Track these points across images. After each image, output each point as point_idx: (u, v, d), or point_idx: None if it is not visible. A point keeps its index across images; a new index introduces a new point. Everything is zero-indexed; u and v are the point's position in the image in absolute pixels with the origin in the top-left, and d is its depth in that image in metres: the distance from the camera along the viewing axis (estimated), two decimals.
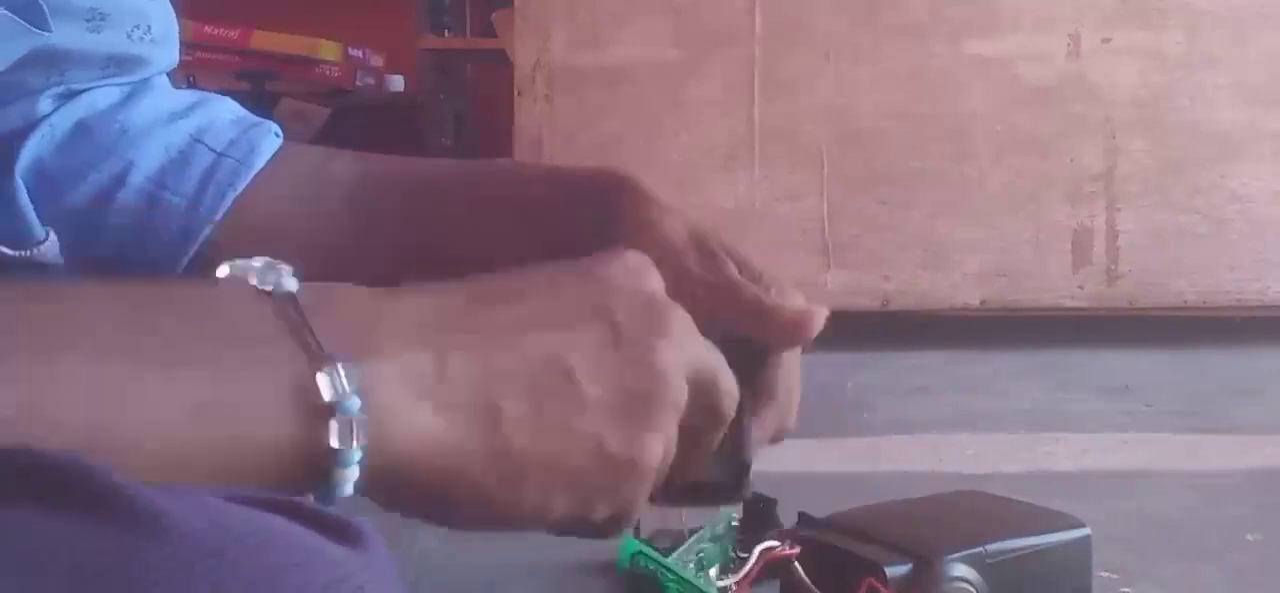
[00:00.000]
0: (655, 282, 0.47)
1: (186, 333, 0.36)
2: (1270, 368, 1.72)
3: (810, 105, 1.95)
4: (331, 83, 2.99)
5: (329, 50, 2.96)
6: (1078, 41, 1.92)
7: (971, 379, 1.61)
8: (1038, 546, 0.63)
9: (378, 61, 3.13)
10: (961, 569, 0.58)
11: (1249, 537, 0.90)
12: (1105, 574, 0.80)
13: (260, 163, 0.67)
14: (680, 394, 0.45)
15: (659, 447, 0.44)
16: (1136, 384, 1.55)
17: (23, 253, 0.61)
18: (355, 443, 0.37)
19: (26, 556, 0.25)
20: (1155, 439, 1.27)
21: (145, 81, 0.67)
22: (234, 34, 2.93)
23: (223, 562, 0.26)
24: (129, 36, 0.63)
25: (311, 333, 0.37)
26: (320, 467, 0.37)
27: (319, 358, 0.37)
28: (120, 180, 0.64)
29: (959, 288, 1.93)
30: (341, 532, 0.30)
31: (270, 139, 0.68)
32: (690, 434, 0.46)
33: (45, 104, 0.63)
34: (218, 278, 0.40)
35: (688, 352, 0.46)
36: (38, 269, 0.61)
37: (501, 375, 0.41)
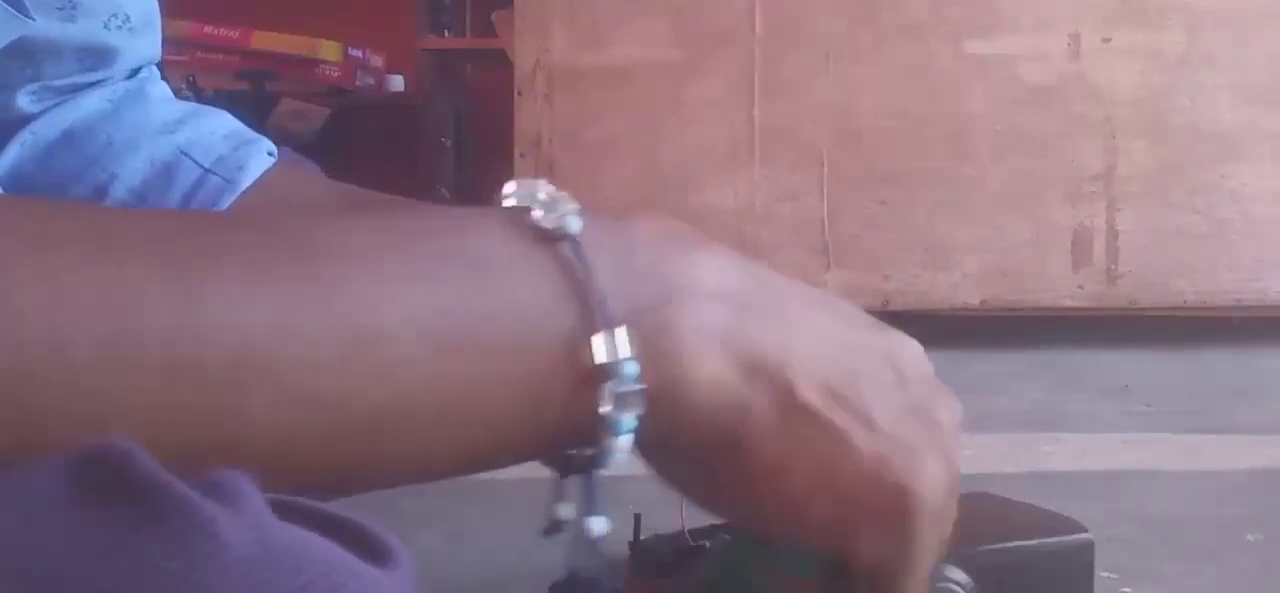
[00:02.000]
0: (929, 365, 0.44)
1: (451, 284, 0.34)
2: (1270, 368, 1.72)
3: (810, 105, 1.95)
4: (331, 83, 2.99)
5: (329, 50, 2.96)
6: (1078, 41, 1.92)
7: (971, 379, 1.61)
8: (1034, 549, 0.62)
9: (378, 61, 3.12)
10: (952, 571, 0.57)
11: (1249, 537, 0.90)
12: (1105, 574, 0.80)
13: (247, 182, 0.64)
14: (955, 465, 0.42)
15: (937, 484, 0.40)
16: (1137, 384, 1.55)
17: None
18: (629, 410, 0.35)
19: (66, 549, 0.25)
20: (1155, 439, 1.27)
21: (139, 92, 0.66)
22: (234, 34, 2.93)
23: (262, 579, 0.26)
24: (105, 27, 0.61)
25: (592, 284, 0.35)
26: (592, 428, 0.35)
27: (597, 315, 0.35)
28: (102, 192, 0.62)
29: (959, 288, 1.93)
30: (377, 551, 0.30)
31: (261, 158, 0.66)
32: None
33: (24, 101, 0.61)
34: (502, 207, 0.37)
35: (957, 446, 0.42)
36: None
37: (798, 352, 0.38)
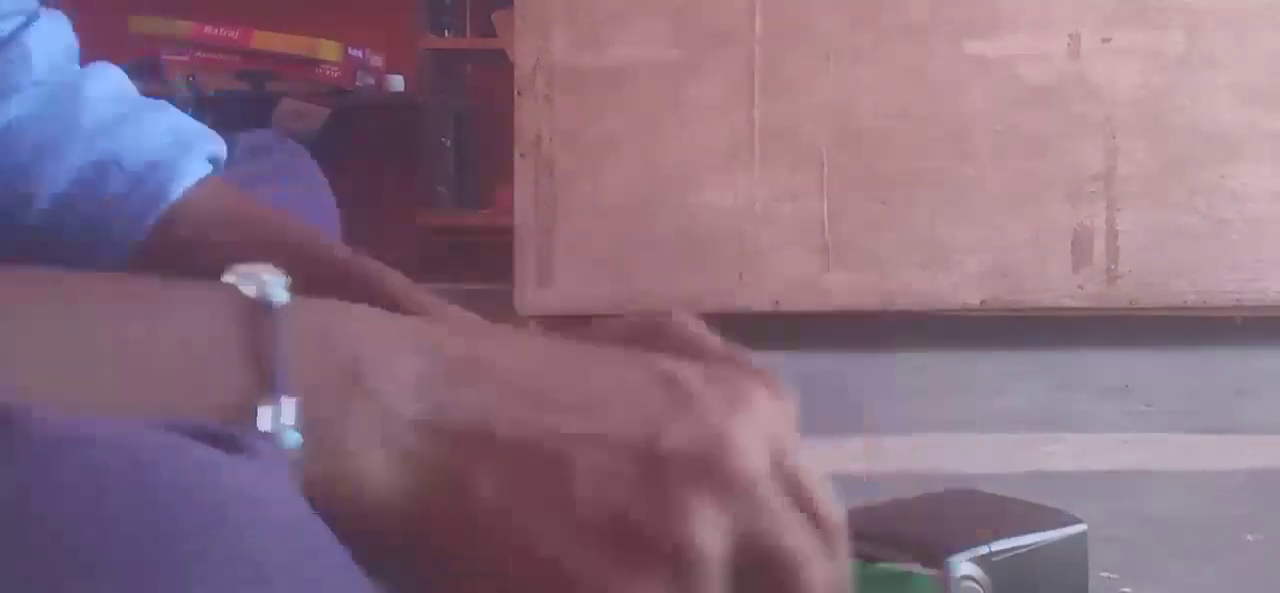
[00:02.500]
0: (750, 436, 0.36)
1: (133, 341, 0.33)
2: (1270, 368, 1.72)
3: (810, 105, 1.95)
4: (331, 83, 2.99)
5: (329, 50, 2.96)
6: (1078, 41, 1.92)
7: (971, 379, 1.61)
8: (1038, 543, 0.63)
9: (378, 61, 3.13)
10: (969, 569, 0.58)
11: (1249, 537, 0.90)
12: (1105, 574, 0.80)
13: (175, 194, 0.60)
14: (709, 563, 0.35)
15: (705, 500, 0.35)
16: (1137, 384, 1.55)
17: None
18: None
19: None
20: (1155, 439, 1.27)
21: (72, 90, 0.62)
22: (234, 34, 2.93)
23: (93, 445, 0.25)
24: None
25: (273, 355, 0.33)
26: None
27: (267, 387, 0.33)
28: (25, 202, 0.59)
29: (959, 288, 1.93)
30: (237, 446, 0.29)
31: (199, 163, 0.62)
32: None
33: None
34: (210, 280, 0.36)
35: (731, 516, 0.35)
36: None
37: (491, 447, 0.35)
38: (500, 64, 2.31)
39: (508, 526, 0.34)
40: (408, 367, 0.35)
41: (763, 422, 0.37)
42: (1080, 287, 1.92)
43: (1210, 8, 1.90)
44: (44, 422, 0.25)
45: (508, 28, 2.18)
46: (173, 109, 0.64)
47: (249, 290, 0.34)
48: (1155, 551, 0.88)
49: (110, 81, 0.63)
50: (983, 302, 1.93)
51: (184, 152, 0.61)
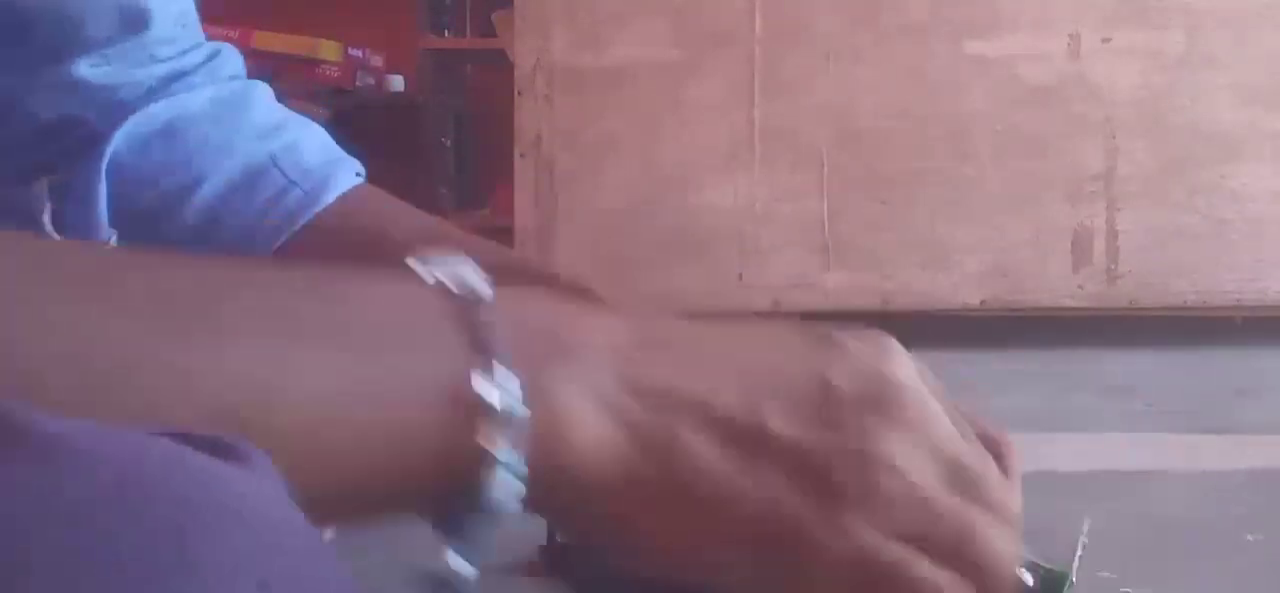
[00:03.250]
0: (905, 368, 0.41)
1: (349, 320, 0.35)
2: (1270, 368, 1.72)
3: (810, 105, 1.95)
4: (331, 83, 2.99)
5: (329, 50, 2.96)
6: (1078, 41, 1.92)
7: (971, 379, 1.61)
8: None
9: (378, 61, 3.13)
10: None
11: (1249, 537, 0.90)
12: (1105, 574, 0.80)
13: (329, 198, 0.65)
14: (901, 498, 0.39)
15: (852, 542, 0.38)
16: (1137, 384, 1.55)
17: None
18: (510, 446, 0.35)
19: None
20: (1155, 439, 1.27)
21: (243, 95, 0.67)
22: (234, 34, 2.92)
23: (92, 452, 0.25)
24: None
25: (481, 332, 0.36)
26: (475, 470, 0.35)
27: (481, 357, 0.35)
28: (188, 192, 0.63)
29: (959, 288, 1.93)
30: (231, 454, 0.29)
31: (347, 176, 0.67)
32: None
33: (84, 70, 0.61)
34: (405, 267, 0.38)
35: (921, 455, 0.39)
36: None
37: (689, 405, 0.38)
38: (500, 64, 2.31)
39: (717, 480, 0.38)
40: (604, 340, 0.38)
41: (911, 365, 0.42)
42: (1080, 287, 1.92)
43: (1210, 8, 1.90)
44: (44, 426, 0.25)
45: (508, 28, 2.18)
46: (319, 127, 0.69)
47: (444, 274, 0.37)
48: (1155, 551, 0.88)
49: (268, 94, 0.69)
50: (983, 302, 1.93)
51: (336, 160, 0.67)
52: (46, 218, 0.60)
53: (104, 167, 0.61)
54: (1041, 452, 1.22)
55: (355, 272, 0.37)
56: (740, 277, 1.96)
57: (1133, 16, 1.92)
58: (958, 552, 0.40)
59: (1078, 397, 1.52)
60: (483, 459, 0.35)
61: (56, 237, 0.60)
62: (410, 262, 0.38)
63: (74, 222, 0.61)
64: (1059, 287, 1.93)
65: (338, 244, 0.64)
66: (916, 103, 1.94)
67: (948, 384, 0.44)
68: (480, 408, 0.35)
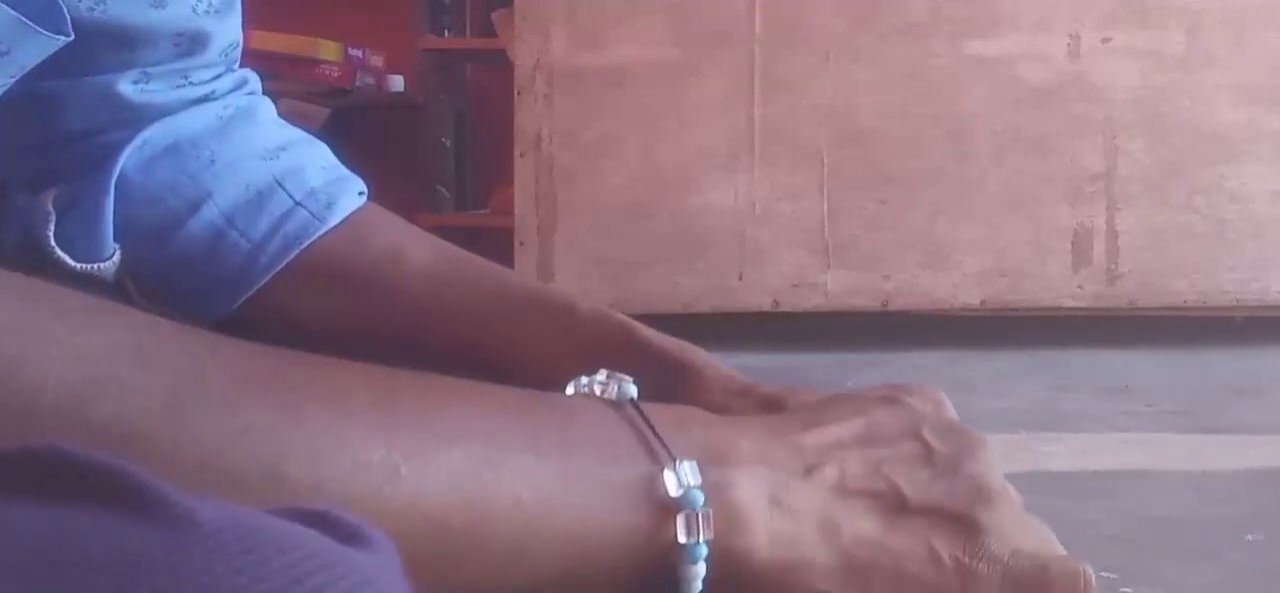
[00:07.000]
0: (953, 412, 0.50)
1: (545, 430, 0.40)
2: (1270, 368, 1.72)
3: (810, 105, 1.95)
4: (331, 83, 2.99)
5: (329, 50, 2.96)
6: (1078, 41, 1.92)
7: (971, 379, 1.61)
8: None
9: (378, 61, 3.12)
10: None
11: (1249, 537, 0.90)
12: (1105, 574, 0.80)
13: (336, 219, 0.66)
14: (997, 496, 0.46)
15: (983, 543, 0.45)
16: (1136, 384, 1.55)
17: (86, 266, 0.60)
18: (701, 537, 0.40)
19: (51, 548, 0.24)
20: (1155, 439, 1.27)
21: (249, 112, 0.67)
22: None
23: (248, 559, 0.26)
24: (194, 11, 0.62)
25: (657, 435, 0.41)
26: (667, 562, 0.40)
27: (665, 457, 0.41)
28: (194, 209, 0.63)
29: (959, 288, 1.93)
30: (356, 537, 0.30)
31: (351, 197, 0.67)
32: None
33: (125, 87, 0.62)
34: (566, 393, 0.44)
35: (1000, 479, 0.47)
36: (91, 284, 0.59)
37: (836, 491, 0.44)
38: (500, 64, 2.31)
39: (884, 545, 0.44)
40: (749, 447, 0.44)
41: (987, 450, 0.48)
42: (1080, 287, 1.93)
43: (1210, 8, 1.90)
44: (170, 500, 0.26)
45: (508, 28, 2.18)
46: (323, 145, 0.70)
47: (610, 392, 0.43)
48: (1155, 551, 0.88)
49: (272, 111, 0.70)
50: (983, 302, 1.93)
51: (340, 180, 0.68)
52: (50, 231, 0.60)
53: (113, 183, 0.61)
54: (1041, 452, 1.22)
55: (538, 394, 0.43)
56: (740, 276, 1.96)
57: (1133, 16, 1.92)
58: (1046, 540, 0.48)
59: (1077, 397, 1.52)
60: (675, 551, 0.40)
61: (60, 253, 0.60)
62: (568, 388, 0.44)
63: (78, 237, 0.60)
64: (1059, 286, 1.93)
65: (347, 269, 0.65)
66: (916, 103, 1.94)
67: (948, 384, 0.47)
68: (671, 505, 0.40)
